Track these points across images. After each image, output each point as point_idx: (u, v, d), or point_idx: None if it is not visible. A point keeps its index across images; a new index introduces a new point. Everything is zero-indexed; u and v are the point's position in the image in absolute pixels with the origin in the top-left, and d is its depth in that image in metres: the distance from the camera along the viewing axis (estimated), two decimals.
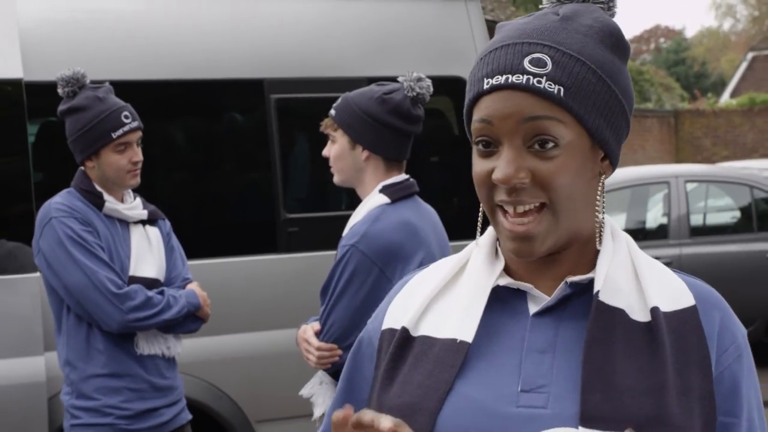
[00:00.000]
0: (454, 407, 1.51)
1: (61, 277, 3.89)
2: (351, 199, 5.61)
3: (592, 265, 1.57)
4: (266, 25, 5.55)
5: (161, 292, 4.02)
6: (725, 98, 40.02)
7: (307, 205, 5.66)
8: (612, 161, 1.57)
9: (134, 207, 4.12)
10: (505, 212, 1.52)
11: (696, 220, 10.89)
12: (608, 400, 1.44)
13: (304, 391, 3.70)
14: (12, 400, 4.75)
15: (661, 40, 63.93)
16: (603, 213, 1.58)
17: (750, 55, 45.69)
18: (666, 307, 1.53)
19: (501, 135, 1.49)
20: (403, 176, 3.67)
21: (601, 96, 1.51)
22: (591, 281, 1.55)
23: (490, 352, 1.56)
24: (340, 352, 3.54)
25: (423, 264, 3.39)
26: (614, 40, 1.55)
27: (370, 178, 3.63)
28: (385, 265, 3.47)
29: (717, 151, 27.86)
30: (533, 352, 1.53)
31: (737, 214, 11.17)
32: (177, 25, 5.41)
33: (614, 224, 1.62)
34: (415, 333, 1.61)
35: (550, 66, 1.49)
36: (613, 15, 1.59)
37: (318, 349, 3.55)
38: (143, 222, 4.13)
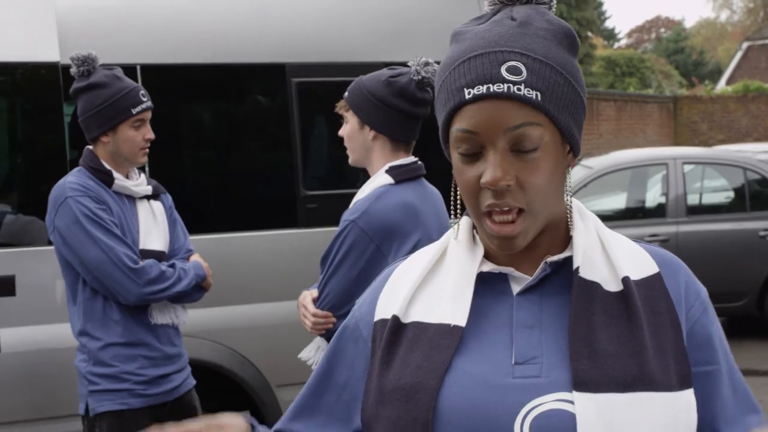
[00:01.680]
0: (454, 383, 1.53)
1: (79, 254, 3.88)
2: (366, 177, 5.60)
3: (565, 245, 1.62)
4: (287, 13, 5.54)
5: (172, 266, 4.01)
6: (721, 85, 39.85)
7: (325, 183, 5.66)
8: (575, 153, 1.60)
9: (140, 183, 4.10)
10: (491, 218, 1.53)
11: (693, 199, 10.86)
12: (595, 365, 1.48)
13: (303, 355, 3.69)
14: (46, 363, 4.77)
15: (662, 29, 63.65)
16: (570, 197, 1.62)
17: (745, 45, 45.47)
18: (635, 275, 1.57)
19: (486, 142, 1.50)
20: (411, 159, 3.64)
21: (569, 96, 1.54)
22: (566, 259, 1.59)
23: (482, 332, 1.58)
24: (334, 320, 3.53)
25: (419, 244, 3.40)
26: (569, 41, 1.57)
27: (377, 158, 3.61)
28: (382, 241, 3.45)
29: (713, 135, 27.76)
30: (522, 328, 1.56)
31: (731, 194, 11.13)
32: (204, 12, 5.40)
33: (580, 205, 1.65)
34: (405, 320, 1.61)
35: (525, 73, 1.50)
36: (552, 11, 1.61)
37: (314, 315, 3.55)
38: (147, 197, 4.11)
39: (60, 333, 4.77)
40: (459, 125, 1.52)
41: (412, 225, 3.49)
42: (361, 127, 3.60)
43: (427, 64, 3.57)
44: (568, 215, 1.62)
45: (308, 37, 5.53)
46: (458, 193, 1.62)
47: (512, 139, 1.49)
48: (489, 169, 1.49)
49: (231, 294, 5.10)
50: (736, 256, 10.24)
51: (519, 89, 1.48)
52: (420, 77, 3.55)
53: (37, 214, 4.89)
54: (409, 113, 3.57)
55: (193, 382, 4.21)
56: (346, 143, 3.68)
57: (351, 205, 3.59)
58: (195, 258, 4.18)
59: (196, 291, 4.10)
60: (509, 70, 1.49)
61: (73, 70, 3.97)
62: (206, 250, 4.93)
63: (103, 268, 3.84)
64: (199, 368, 4.26)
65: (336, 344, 1.72)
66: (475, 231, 1.66)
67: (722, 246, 10.29)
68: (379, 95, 3.54)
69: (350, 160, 3.71)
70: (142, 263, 3.89)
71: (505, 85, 1.48)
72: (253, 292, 5.24)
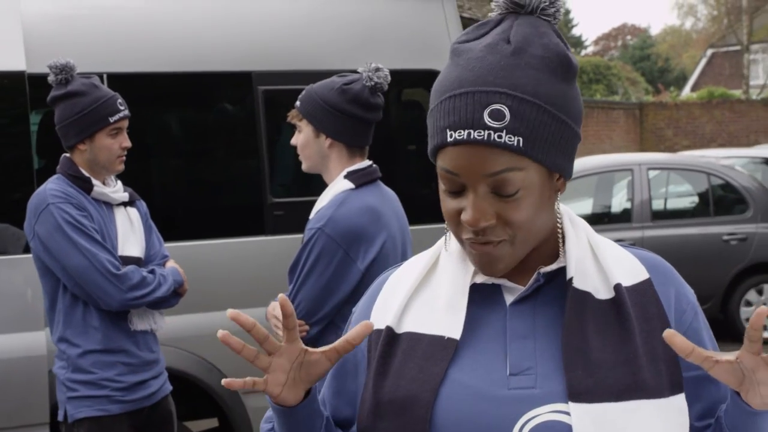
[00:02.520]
0: (450, 394, 1.53)
1: (60, 260, 3.86)
2: None
3: (556, 254, 1.61)
4: (254, 20, 5.53)
5: (152, 272, 4.00)
6: (686, 92, 40.16)
7: (291, 190, 5.65)
8: (566, 177, 1.58)
9: (118, 190, 4.09)
10: (471, 244, 1.53)
11: (657, 205, 10.93)
12: (589, 375, 1.49)
13: None
14: (15, 372, 4.74)
15: (628, 37, 64.01)
16: (560, 215, 1.60)
17: (709, 52, 45.82)
18: (626, 282, 1.58)
19: (467, 184, 1.50)
20: (367, 162, 3.66)
21: (557, 134, 1.51)
22: (559, 269, 1.59)
23: (475, 343, 1.58)
24: (307, 327, 3.54)
25: (384, 246, 3.48)
26: (564, 69, 1.53)
27: (334, 165, 3.62)
28: (349, 246, 3.46)
29: (678, 141, 27.96)
30: (516, 339, 1.56)
31: (696, 199, 11.22)
32: (171, 21, 5.39)
33: (570, 211, 1.65)
34: (399, 330, 1.61)
35: (508, 118, 1.47)
36: (557, 22, 1.57)
37: None
38: (124, 204, 4.10)
39: (32, 341, 4.74)
40: (441, 163, 1.52)
41: (377, 228, 3.51)
42: (316, 136, 3.61)
43: (378, 69, 3.59)
44: (559, 226, 1.60)
45: (275, 45, 5.53)
46: None
47: (493, 184, 1.49)
48: (468, 210, 1.50)
49: (198, 301, 5.08)
50: (700, 261, 10.30)
51: (500, 136, 1.46)
52: (373, 83, 3.57)
53: (6, 223, 4.86)
54: (363, 119, 3.59)
55: (169, 387, 4.21)
56: (300, 151, 3.68)
57: (313, 214, 3.60)
58: (171, 264, 4.18)
59: (174, 297, 4.10)
60: (492, 114, 1.47)
61: (50, 78, 3.96)
62: (174, 258, 4.92)
63: (85, 274, 3.83)
64: (169, 376, 4.24)
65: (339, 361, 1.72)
66: None
67: (687, 250, 10.34)
68: (334, 103, 3.55)
69: (304, 167, 3.71)
70: (123, 269, 3.88)
71: (486, 132, 1.46)
72: (220, 299, 5.22)
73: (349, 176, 3.57)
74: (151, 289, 3.91)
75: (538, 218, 1.54)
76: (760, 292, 10.52)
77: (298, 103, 3.66)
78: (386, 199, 3.63)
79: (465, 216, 1.50)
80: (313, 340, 3.54)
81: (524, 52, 1.51)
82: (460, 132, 1.48)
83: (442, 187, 1.55)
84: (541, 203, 1.53)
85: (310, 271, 3.49)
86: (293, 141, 3.71)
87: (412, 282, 1.65)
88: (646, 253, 1.66)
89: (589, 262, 1.59)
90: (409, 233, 3.70)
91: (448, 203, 1.54)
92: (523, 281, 1.60)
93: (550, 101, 1.50)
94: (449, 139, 1.49)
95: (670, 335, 1.43)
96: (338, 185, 3.57)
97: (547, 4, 1.55)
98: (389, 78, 3.62)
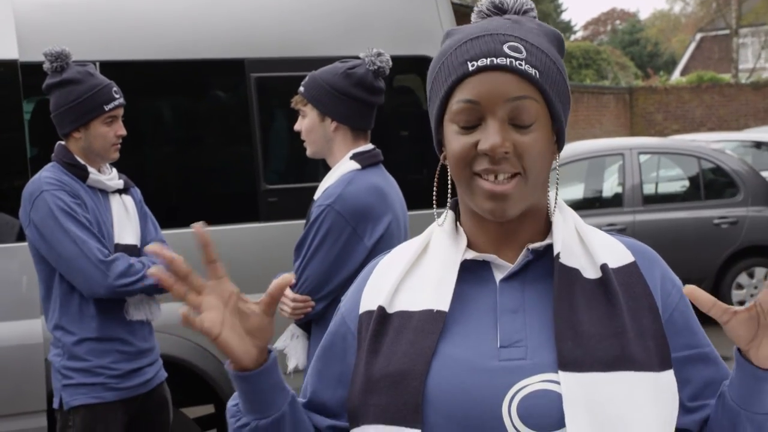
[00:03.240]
0: (441, 367, 1.55)
1: (54, 247, 3.87)
2: (327, 170, 5.60)
3: (544, 235, 1.65)
4: (247, 8, 5.53)
5: (141, 261, 3.99)
6: (676, 76, 40.19)
7: (285, 177, 5.66)
8: (560, 145, 1.65)
9: (113, 177, 4.09)
10: (483, 179, 1.56)
11: (648, 189, 10.96)
12: (579, 346, 1.52)
13: (278, 344, 3.74)
14: (12, 360, 4.75)
15: (617, 21, 63.99)
16: (556, 192, 1.66)
17: (698, 36, 45.84)
18: (612, 264, 1.61)
19: (486, 112, 1.55)
20: (370, 146, 3.73)
21: (561, 85, 1.61)
22: (547, 247, 1.62)
23: (466, 317, 1.60)
24: (313, 303, 3.59)
25: (390, 226, 3.55)
26: (558, 42, 1.65)
27: (339, 148, 3.68)
28: (357, 224, 3.53)
29: (668, 125, 27.99)
30: (506, 313, 1.59)
31: (686, 183, 11.24)
32: (163, 8, 5.38)
33: (561, 201, 1.69)
34: (391, 310, 1.63)
35: (524, 53, 1.56)
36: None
37: (293, 300, 3.59)
38: (119, 191, 4.10)
39: (27, 329, 4.75)
40: (460, 96, 1.57)
41: (383, 207, 3.58)
42: (321, 120, 3.66)
43: (379, 54, 3.67)
44: (554, 205, 1.65)
45: (267, 32, 5.53)
46: (445, 178, 1.66)
47: (512, 111, 1.55)
48: (489, 136, 1.54)
49: None
50: (691, 244, 10.34)
51: (521, 64, 1.55)
52: (375, 67, 3.65)
53: (0, 211, 4.86)
54: (367, 102, 3.67)
55: (164, 374, 4.20)
56: (304, 136, 3.73)
57: (319, 193, 3.65)
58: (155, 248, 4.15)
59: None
60: (511, 48, 1.56)
61: (46, 66, 3.95)
62: (169, 245, 4.92)
63: (75, 260, 3.83)
64: (164, 362, 4.24)
65: (326, 343, 1.74)
66: (458, 222, 1.69)
67: (678, 234, 10.38)
68: (339, 87, 3.62)
69: (309, 152, 3.76)
70: (112, 256, 3.88)
71: (508, 59, 1.55)
72: None
73: (355, 157, 3.64)
74: (138, 277, 3.89)
75: (544, 166, 1.59)
76: (751, 275, 10.56)
77: (301, 88, 3.71)
78: (389, 181, 3.70)
79: (485, 143, 1.54)
80: (318, 316, 3.60)
81: (522, 23, 1.62)
82: (482, 60, 1.56)
83: (453, 129, 1.59)
84: (547, 151, 1.59)
85: (318, 247, 3.55)
86: (297, 126, 3.75)
87: (404, 264, 1.67)
88: (632, 240, 1.70)
89: (575, 243, 1.63)
90: (407, 216, 3.75)
91: (461, 140, 1.58)
92: (512, 259, 1.63)
93: (552, 55, 1.61)
94: (471, 68, 1.56)
95: (691, 290, 1.49)
96: (345, 166, 3.63)
97: (529, 7, 1.66)
98: (391, 63, 3.70)
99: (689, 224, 10.46)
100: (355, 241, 3.53)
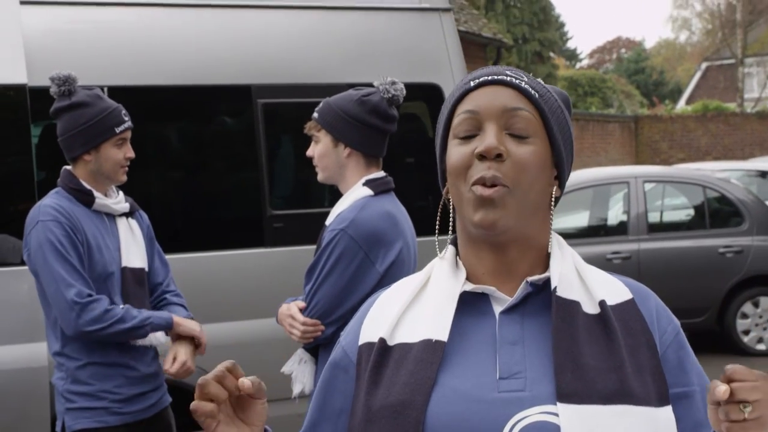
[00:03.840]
0: (441, 398, 1.55)
1: (39, 280, 3.89)
2: (332, 196, 5.62)
3: (543, 269, 1.66)
4: (254, 35, 5.56)
5: (124, 307, 3.91)
6: (681, 105, 40.24)
7: (291, 203, 5.67)
8: (561, 183, 1.69)
9: (119, 201, 4.08)
10: (476, 187, 1.59)
11: (653, 217, 10.95)
12: (578, 378, 1.52)
13: (285, 369, 3.77)
14: (16, 383, 4.74)
15: (623, 50, 64.19)
16: (551, 224, 1.69)
17: (704, 65, 45.94)
18: (610, 300, 1.63)
19: (484, 121, 1.61)
20: (382, 173, 3.76)
21: (563, 123, 1.68)
22: (546, 281, 1.63)
23: (465, 349, 1.61)
24: (323, 327, 3.62)
25: (402, 252, 3.59)
26: (563, 99, 1.75)
27: (351, 174, 3.71)
28: (370, 249, 3.56)
29: (673, 154, 28.01)
30: (505, 345, 1.60)
31: (691, 212, 11.23)
32: (171, 35, 5.41)
33: (559, 237, 1.71)
34: (391, 342, 1.64)
35: (526, 78, 1.67)
36: None
37: (303, 324, 3.62)
38: (125, 214, 4.10)
39: (31, 353, 4.74)
40: (461, 110, 1.66)
41: (395, 233, 3.61)
42: (335, 146, 3.70)
43: (393, 83, 3.72)
44: (552, 240, 1.67)
45: (274, 58, 5.55)
46: (447, 214, 1.70)
47: (509, 120, 1.62)
48: (485, 140, 1.60)
49: (197, 313, 5.07)
50: (696, 273, 10.32)
51: (521, 83, 1.65)
52: (390, 95, 3.69)
53: (6, 234, 4.87)
54: (381, 130, 3.71)
55: (168, 399, 4.19)
56: (317, 162, 3.76)
57: (332, 218, 3.68)
58: (185, 322, 4.08)
59: (143, 331, 3.94)
60: (512, 72, 1.67)
61: (53, 90, 3.95)
62: (174, 270, 4.92)
63: (53, 297, 3.82)
64: (167, 387, 4.24)
65: (327, 375, 1.74)
66: (458, 257, 1.70)
67: (683, 263, 10.36)
68: (353, 113, 3.66)
69: (321, 178, 3.79)
70: (90, 299, 3.82)
71: (508, 78, 1.65)
72: (220, 311, 5.23)
73: (368, 184, 3.68)
74: (112, 322, 3.82)
75: (537, 190, 1.62)
76: (756, 305, 10.53)
77: (315, 114, 3.74)
78: (400, 208, 3.73)
79: (480, 147, 1.59)
80: (327, 341, 3.61)
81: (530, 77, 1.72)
82: (484, 78, 1.66)
83: (454, 142, 1.65)
84: (542, 177, 1.63)
85: (330, 271, 3.58)
86: (309, 152, 3.79)
87: (405, 297, 1.69)
88: (628, 279, 1.71)
89: (574, 278, 1.64)
90: (416, 243, 3.77)
91: (459, 150, 1.63)
92: (511, 293, 1.64)
93: (557, 97, 1.71)
94: (473, 84, 1.66)
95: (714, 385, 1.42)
96: (358, 191, 3.67)
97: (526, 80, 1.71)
98: (404, 91, 3.74)
99: (694, 253, 10.45)
100: (367, 266, 3.56)
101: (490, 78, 1.65)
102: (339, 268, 3.57)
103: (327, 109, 3.71)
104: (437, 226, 1.75)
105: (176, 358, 4.06)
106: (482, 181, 1.57)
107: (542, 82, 1.72)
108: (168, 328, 4.02)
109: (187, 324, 4.09)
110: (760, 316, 10.51)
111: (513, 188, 1.58)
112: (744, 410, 1.39)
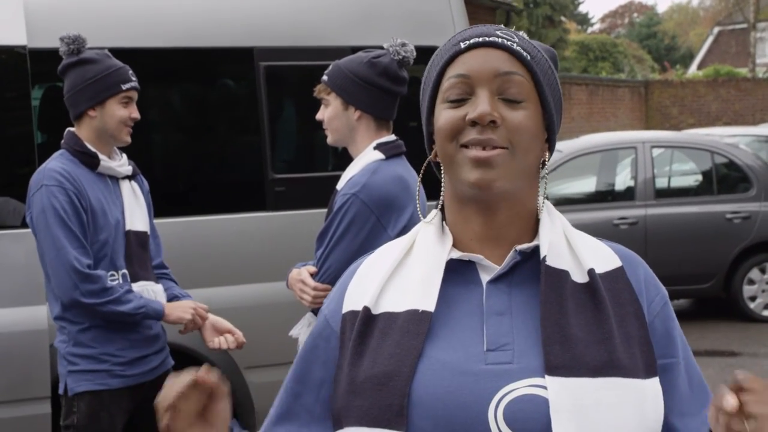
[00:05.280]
0: (427, 370, 1.53)
1: (40, 244, 3.88)
2: (336, 160, 5.60)
3: (532, 237, 1.64)
4: None
5: (129, 290, 3.91)
6: (692, 70, 40.04)
7: (293, 166, 5.65)
8: (551, 147, 1.65)
9: (123, 163, 4.08)
10: (470, 149, 1.56)
11: (661, 183, 10.93)
12: (567, 350, 1.51)
13: (294, 332, 3.78)
14: (16, 346, 4.76)
15: (635, 14, 63.82)
16: (545, 192, 1.65)
17: (716, 30, 45.68)
18: (599, 269, 1.60)
19: (476, 86, 1.58)
20: (393, 136, 3.76)
21: (554, 85, 1.65)
22: (535, 249, 1.61)
23: (452, 319, 1.59)
24: None
25: (413, 216, 3.59)
26: (551, 56, 1.78)
27: (362, 137, 3.72)
28: (382, 213, 3.56)
29: (684, 119, 27.91)
30: (493, 315, 1.58)
31: (699, 177, 11.20)
32: None
33: (550, 205, 1.68)
34: (376, 311, 1.61)
35: (517, 39, 1.62)
36: None
37: (314, 289, 3.63)
38: (128, 177, 4.10)
39: (33, 315, 4.75)
40: (451, 73, 1.61)
41: (407, 198, 3.61)
42: (345, 108, 3.70)
43: (403, 44, 3.71)
44: (542, 204, 1.64)
45: (277, 20, 5.52)
46: (433, 175, 1.69)
47: (501, 84, 1.57)
48: (478, 105, 1.55)
49: (199, 277, 5.09)
50: (703, 239, 10.31)
51: (513, 45, 1.60)
52: (400, 57, 3.68)
53: (7, 196, 4.87)
54: (392, 92, 3.70)
55: (171, 362, 4.19)
56: (326, 125, 3.76)
57: (342, 182, 3.68)
58: (175, 311, 4.05)
59: (141, 317, 3.94)
60: (503, 33, 1.62)
61: (62, 49, 3.95)
62: (175, 234, 4.93)
63: (52, 263, 3.83)
64: (170, 350, 4.24)
65: (309, 344, 1.71)
66: (444, 222, 1.67)
67: (690, 229, 10.35)
68: (364, 75, 3.65)
69: (330, 141, 3.79)
70: (92, 271, 3.82)
71: (500, 39, 1.60)
72: (222, 275, 5.23)
73: (380, 147, 3.68)
74: (106, 300, 3.82)
75: (532, 155, 1.59)
76: (762, 271, 10.52)
77: (325, 77, 3.74)
78: (411, 173, 3.72)
79: (473, 112, 1.55)
80: None
81: (517, 34, 1.67)
82: (475, 39, 1.61)
83: (444, 105, 1.60)
84: (535, 141, 1.60)
85: (342, 235, 3.58)
86: (319, 116, 3.78)
87: (389, 264, 1.65)
88: (619, 246, 1.69)
89: (563, 246, 1.61)
90: (426, 209, 3.75)
91: (449, 113, 1.59)
92: (498, 261, 1.61)
93: (546, 55, 1.68)
94: (463, 47, 1.61)
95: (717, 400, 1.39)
96: (369, 155, 3.67)
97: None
98: (415, 53, 3.73)
99: (701, 219, 10.43)
100: (379, 231, 3.56)
101: (481, 40, 1.60)
102: (351, 232, 3.57)
103: (337, 72, 3.70)
104: (418, 187, 1.77)
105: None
106: (477, 142, 1.54)
107: (530, 40, 1.68)
108: (158, 318, 4.00)
109: (177, 314, 4.05)
110: (767, 283, 10.50)
111: (511, 147, 1.55)
112: (746, 424, 1.36)
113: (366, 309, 1.61)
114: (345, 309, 1.66)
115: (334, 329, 1.66)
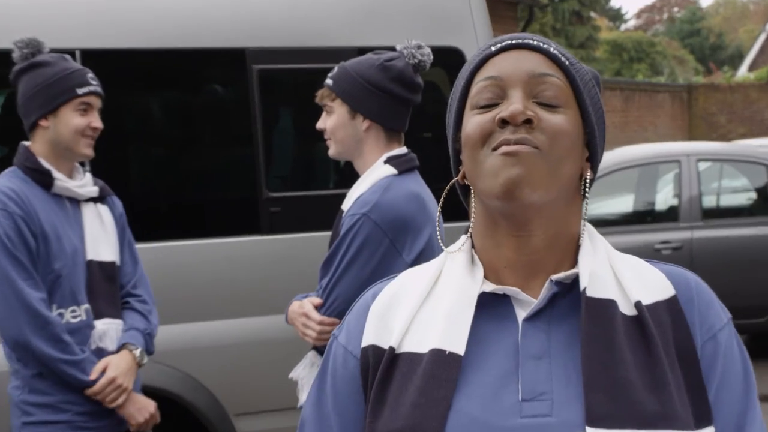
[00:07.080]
0: (457, 427, 1.51)
1: None
2: (339, 176, 5.62)
3: (572, 266, 1.62)
4: None
5: (83, 350, 3.86)
6: (742, 72, 40.04)
7: (290, 184, 5.67)
8: (593, 167, 1.65)
9: (85, 183, 4.01)
10: (498, 150, 1.56)
11: (709, 201, 10.91)
12: (613, 398, 1.49)
13: (294, 374, 3.74)
14: None
15: (675, 9, 63.97)
16: (586, 213, 1.65)
17: None
18: (648, 299, 1.58)
19: (508, 87, 1.59)
20: (405, 149, 3.73)
21: (596, 97, 1.66)
22: (575, 279, 1.59)
23: (483, 362, 1.57)
24: None
25: (431, 238, 3.55)
26: (596, 81, 1.72)
27: (370, 150, 3.69)
28: (396, 236, 3.53)
29: (733, 128, 27.92)
30: (529, 359, 1.56)
31: (753, 195, 11.20)
32: None
33: (592, 229, 1.66)
34: (399, 350, 1.60)
35: (553, 45, 1.64)
36: None
37: (320, 323, 3.59)
38: (94, 199, 4.04)
39: None
40: (481, 76, 1.63)
41: (423, 218, 3.58)
42: (352, 117, 3.67)
43: (419, 47, 3.68)
44: (583, 229, 1.63)
45: (272, 18, 5.54)
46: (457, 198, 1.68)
47: (537, 87, 1.59)
48: (511, 104, 1.57)
49: (184, 310, 5.09)
50: (757, 266, 10.26)
51: (548, 48, 1.63)
52: (416, 60, 3.66)
53: None
54: (405, 100, 3.68)
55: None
56: (330, 134, 3.72)
57: (350, 201, 3.65)
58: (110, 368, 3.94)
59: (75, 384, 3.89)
60: (540, 39, 1.65)
61: (15, 55, 3.91)
62: (156, 261, 4.91)
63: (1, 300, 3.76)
64: (147, 394, 4.22)
65: (327, 387, 1.70)
66: (473, 250, 1.66)
67: (742, 254, 10.32)
68: (375, 81, 3.63)
69: (333, 152, 3.76)
70: (46, 314, 3.75)
71: (535, 42, 1.63)
72: (210, 307, 5.24)
73: (390, 161, 3.64)
74: (61, 358, 3.76)
75: (568, 167, 1.59)
76: None
77: (329, 81, 3.71)
78: (427, 190, 3.70)
79: (504, 111, 1.56)
80: None
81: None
82: (507, 42, 1.64)
83: (473, 112, 1.61)
84: (573, 153, 1.60)
85: (351, 261, 3.54)
86: (320, 124, 3.75)
87: (417, 297, 1.64)
88: (675, 268, 1.66)
89: (607, 275, 1.60)
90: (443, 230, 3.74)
91: (478, 119, 1.60)
92: (536, 292, 1.60)
93: (588, 70, 1.70)
94: (494, 49, 1.64)
95: None
96: (379, 170, 3.63)
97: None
98: (432, 56, 3.71)
99: (755, 243, 10.41)
100: (393, 257, 3.53)
101: (513, 42, 1.62)
102: (361, 258, 3.53)
103: (344, 75, 3.67)
104: (439, 210, 1.78)
105: (106, 370, 3.93)
106: (507, 142, 1.54)
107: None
108: (83, 384, 3.88)
109: (131, 410, 3.99)
110: None
111: (543, 152, 1.54)
112: None
113: (392, 349, 1.60)
114: (365, 342, 1.64)
115: (352, 367, 1.65)
